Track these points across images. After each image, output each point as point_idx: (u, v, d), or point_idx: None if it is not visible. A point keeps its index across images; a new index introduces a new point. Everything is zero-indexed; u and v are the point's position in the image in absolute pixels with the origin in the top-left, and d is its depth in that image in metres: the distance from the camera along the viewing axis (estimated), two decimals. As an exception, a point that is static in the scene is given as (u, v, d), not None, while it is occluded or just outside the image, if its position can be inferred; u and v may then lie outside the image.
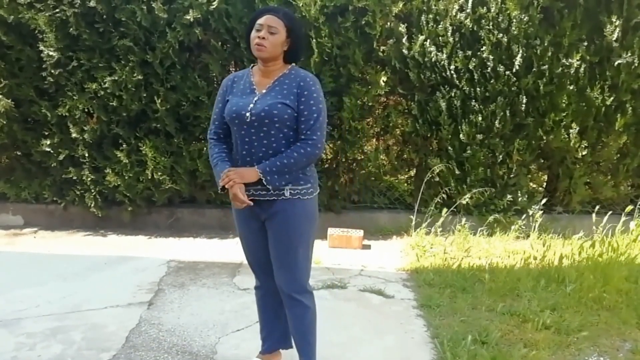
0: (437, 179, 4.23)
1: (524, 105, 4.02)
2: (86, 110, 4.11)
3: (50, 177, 4.39)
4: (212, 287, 3.27)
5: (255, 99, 1.94)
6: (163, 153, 4.16)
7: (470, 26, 3.98)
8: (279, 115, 1.89)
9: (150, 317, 2.84)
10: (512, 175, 4.29)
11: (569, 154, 4.20)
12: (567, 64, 3.96)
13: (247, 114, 1.91)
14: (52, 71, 3.99)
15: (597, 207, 4.05)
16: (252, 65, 2.09)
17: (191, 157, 4.20)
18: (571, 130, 4.07)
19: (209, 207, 4.57)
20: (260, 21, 1.92)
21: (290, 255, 2.01)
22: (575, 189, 4.33)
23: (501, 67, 3.96)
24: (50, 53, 3.91)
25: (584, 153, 4.12)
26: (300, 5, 3.84)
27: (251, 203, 1.88)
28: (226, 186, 1.88)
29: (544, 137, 4.17)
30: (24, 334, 2.63)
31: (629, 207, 3.87)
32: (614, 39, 3.90)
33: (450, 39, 3.99)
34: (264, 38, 1.90)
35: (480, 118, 4.05)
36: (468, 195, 4.11)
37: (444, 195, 4.20)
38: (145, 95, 4.05)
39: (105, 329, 2.70)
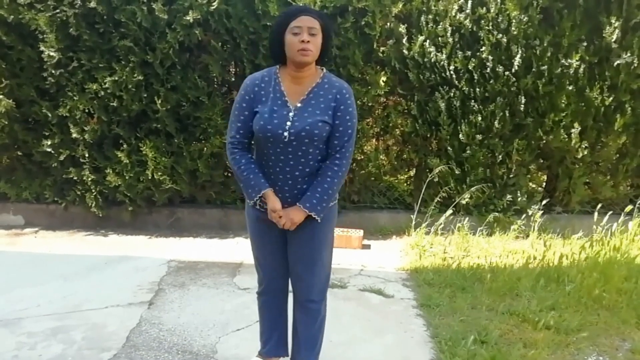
0: (436, 179, 4.23)
1: (523, 106, 4.03)
2: (87, 110, 4.11)
3: (51, 177, 4.39)
4: (212, 287, 3.28)
5: (292, 114, 1.82)
6: (163, 153, 4.17)
7: (470, 27, 3.98)
8: (319, 134, 1.81)
9: (151, 316, 2.85)
10: (511, 175, 4.30)
11: (569, 154, 4.20)
12: (567, 64, 3.96)
13: (285, 134, 1.80)
14: (53, 71, 4.00)
15: (597, 207, 4.06)
16: (277, 67, 1.92)
17: (191, 157, 4.21)
18: (571, 131, 4.07)
19: (209, 207, 4.57)
20: (296, 23, 1.76)
21: (313, 263, 2.01)
22: (574, 189, 4.34)
23: (500, 67, 3.96)
24: (51, 53, 3.92)
25: (583, 153, 4.12)
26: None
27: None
28: (281, 226, 1.90)
29: (544, 137, 4.17)
30: (25, 334, 2.63)
31: (629, 207, 3.88)
32: (613, 39, 3.91)
33: (450, 40, 3.99)
34: (308, 42, 1.76)
35: (479, 118, 4.05)
36: (467, 195, 4.12)
37: (444, 195, 4.21)
38: (145, 95, 4.05)
39: (105, 328, 2.71)
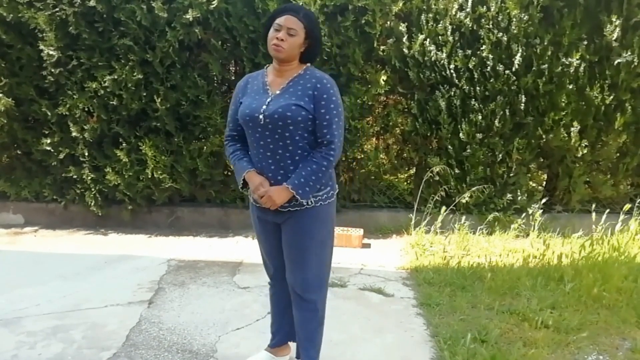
0: (436, 178, 4.23)
1: (523, 105, 4.03)
2: (86, 109, 4.12)
3: (51, 175, 4.40)
4: (212, 286, 3.28)
5: (269, 99, 1.89)
6: (163, 152, 4.17)
7: (470, 25, 3.97)
8: (292, 117, 1.84)
9: (151, 315, 2.85)
10: (511, 174, 4.29)
11: (569, 153, 4.20)
12: (567, 63, 3.96)
13: (260, 116, 1.86)
14: (52, 70, 3.99)
15: (597, 205, 4.05)
16: (266, 65, 2.04)
17: (191, 156, 4.21)
18: (571, 130, 4.07)
19: (209, 206, 4.57)
20: (279, 21, 1.86)
21: (303, 259, 2.01)
22: (574, 187, 4.34)
23: (501, 66, 3.96)
24: (50, 52, 3.92)
25: (583, 152, 4.12)
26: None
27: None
28: (264, 204, 1.91)
29: (544, 136, 4.17)
30: (25, 333, 2.63)
31: (627, 206, 3.87)
32: (614, 38, 3.90)
33: (450, 38, 3.99)
34: (282, 40, 1.85)
35: (479, 117, 4.05)
36: (467, 194, 4.12)
37: (443, 194, 4.21)
38: (145, 94, 4.05)
39: (105, 327, 2.71)
